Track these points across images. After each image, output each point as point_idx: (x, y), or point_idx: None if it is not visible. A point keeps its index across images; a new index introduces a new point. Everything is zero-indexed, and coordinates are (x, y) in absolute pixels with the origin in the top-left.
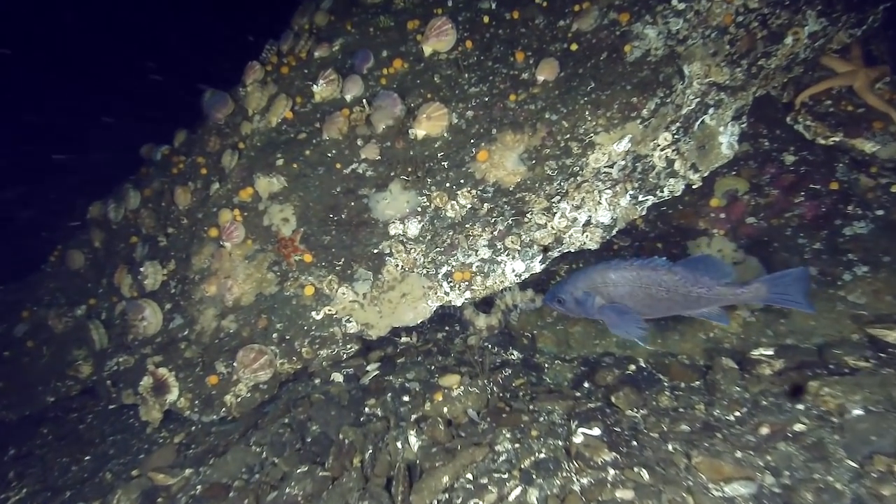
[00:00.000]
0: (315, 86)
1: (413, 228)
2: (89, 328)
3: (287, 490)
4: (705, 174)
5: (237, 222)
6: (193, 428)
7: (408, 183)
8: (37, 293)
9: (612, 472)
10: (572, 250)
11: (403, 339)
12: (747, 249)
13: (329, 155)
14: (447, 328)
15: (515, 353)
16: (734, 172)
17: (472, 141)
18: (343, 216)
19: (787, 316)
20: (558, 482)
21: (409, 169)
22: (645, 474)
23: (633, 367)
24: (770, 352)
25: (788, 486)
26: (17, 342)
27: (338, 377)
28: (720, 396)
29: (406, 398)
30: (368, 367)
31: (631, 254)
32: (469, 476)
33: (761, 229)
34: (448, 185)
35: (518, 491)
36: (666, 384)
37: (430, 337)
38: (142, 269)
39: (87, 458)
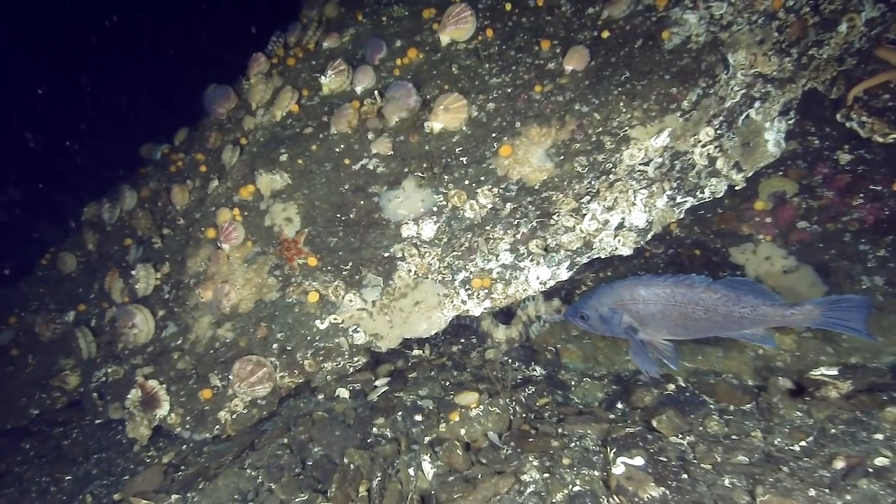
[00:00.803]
0: (323, 77)
1: (428, 230)
2: (77, 336)
3: None
4: (749, 174)
5: (236, 222)
6: (184, 447)
7: (423, 180)
8: (25, 298)
9: None
10: (603, 256)
11: (415, 352)
12: (799, 256)
13: (337, 150)
14: (463, 340)
15: (538, 368)
16: (781, 173)
17: (493, 135)
18: (351, 216)
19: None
20: None
21: (425, 165)
22: None
23: (672, 386)
24: (834, 372)
25: None
26: (1, 350)
27: (343, 393)
28: (779, 423)
29: (419, 417)
30: (377, 383)
31: (665, 261)
32: None
33: (815, 234)
34: (467, 182)
35: None
36: (712, 406)
37: (445, 350)
38: (133, 273)
39: (69, 478)
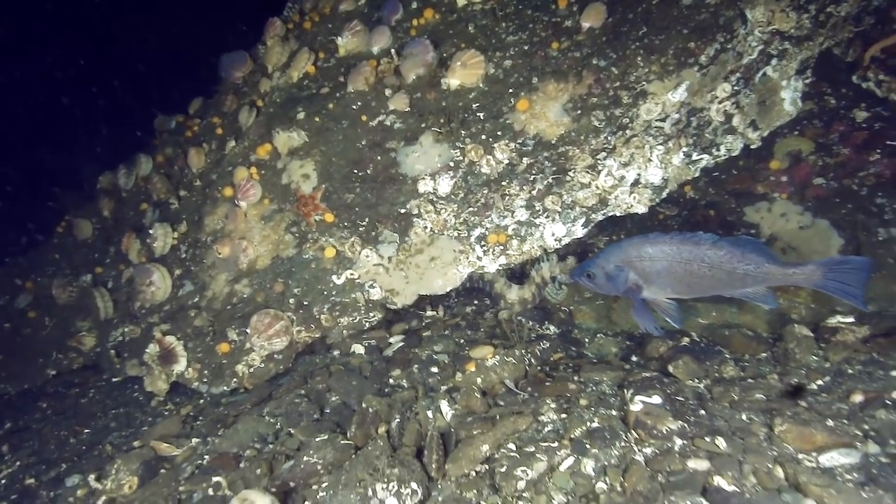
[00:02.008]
0: (340, 38)
1: (444, 185)
2: (94, 296)
3: (305, 458)
4: (765, 133)
5: (253, 180)
6: (202, 400)
7: (440, 135)
8: (41, 264)
9: (679, 441)
10: (618, 214)
11: (429, 313)
12: (815, 212)
13: (354, 107)
14: (476, 302)
15: (552, 327)
16: (797, 132)
17: (510, 90)
18: (368, 172)
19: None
20: (616, 452)
21: (442, 120)
22: (721, 443)
23: (686, 339)
24: (850, 319)
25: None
26: (19, 313)
27: (359, 349)
28: (795, 366)
29: (434, 369)
30: (391, 340)
31: (679, 222)
32: (512, 446)
33: (831, 190)
34: (484, 137)
35: (570, 461)
36: (728, 356)
37: (458, 311)
38: (151, 232)
39: (87, 430)
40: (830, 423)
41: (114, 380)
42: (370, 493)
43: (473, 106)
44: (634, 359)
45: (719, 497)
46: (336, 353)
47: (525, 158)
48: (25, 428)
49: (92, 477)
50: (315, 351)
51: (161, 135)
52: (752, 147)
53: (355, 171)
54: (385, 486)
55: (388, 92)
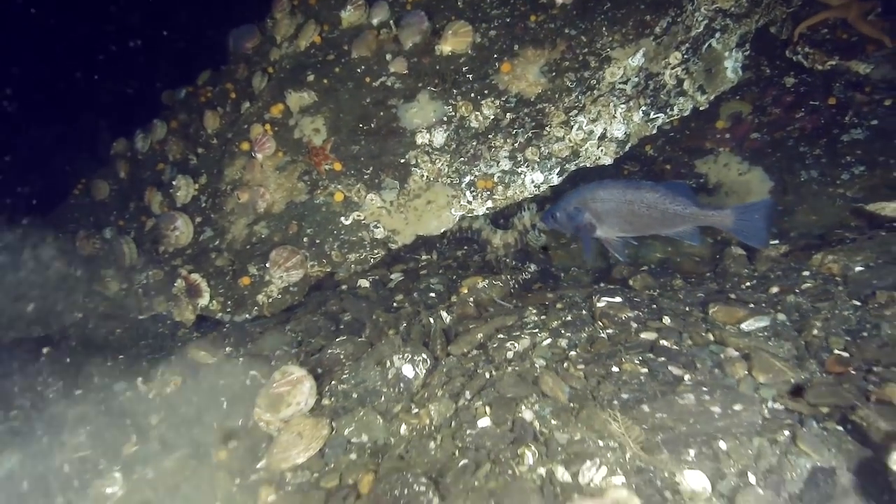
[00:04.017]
0: (343, 12)
1: (439, 137)
2: (120, 242)
3: (328, 352)
4: (711, 97)
5: (268, 135)
6: (226, 328)
7: (435, 93)
8: (62, 222)
9: (634, 324)
10: (588, 165)
11: (424, 257)
12: (752, 161)
13: (358, 70)
14: (465, 247)
15: (533, 266)
16: (738, 97)
17: (495, 56)
18: (372, 125)
19: (790, 214)
20: (585, 334)
21: (436, 81)
22: (667, 320)
23: (645, 267)
24: (776, 241)
25: (798, 319)
26: (44, 264)
27: (364, 283)
28: (731, 275)
29: (432, 294)
30: (392, 276)
31: (641, 176)
32: (501, 335)
33: (765, 142)
34: (473, 95)
35: (549, 340)
36: (678, 275)
37: (450, 255)
38: (174, 183)
39: (121, 356)
40: (752, 305)
41: (140, 317)
42: (388, 364)
43: (463, 69)
44: (602, 284)
45: (663, 352)
46: (344, 287)
47: (508, 114)
48: (59, 358)
49: (139, 380)
50: (324, 287)
51: (173, 105)
52: (701, 109)
53: (361, 126)
54: (400, 356)
55: (388, 57)
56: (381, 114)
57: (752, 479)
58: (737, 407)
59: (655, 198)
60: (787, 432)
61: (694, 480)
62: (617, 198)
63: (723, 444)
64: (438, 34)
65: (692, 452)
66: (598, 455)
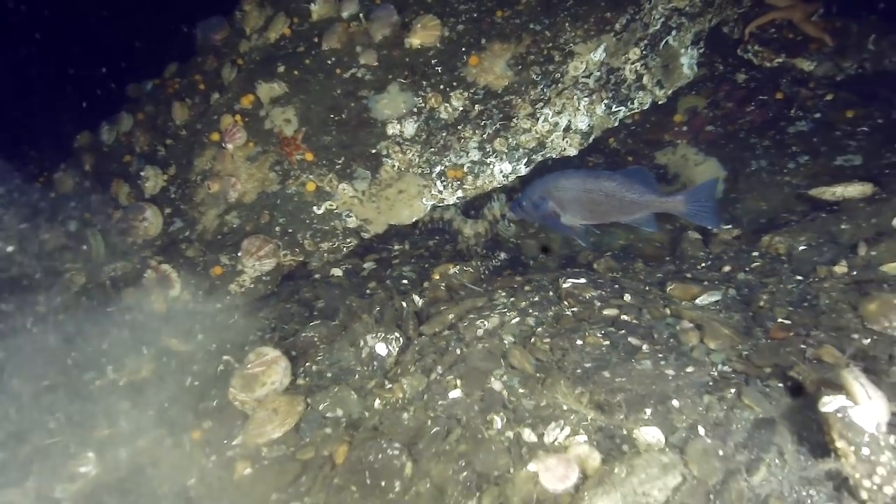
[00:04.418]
0: (313, 4)
1: (409, 128)
2: (87, 235)
3: (303, 335)
4: (669, 92)
5: (238, 125)
6: (198, 317)
7: (405, 85)
8: (23, 217)
9: (598, 303)
10: (554, 156)
11: (396, 247)
12: (707, 152)
13: (329, 62)
14: (437, 237)
15: (503, 254)
16: (694, 92)
17: (463, 49)
18: (343, 116)
19: (741, 201)
20: (552, 313)
21: (406, 73)
22: (628, 297)
23: (609, 252)
24: (728, 226)
25: (746, 294)
26: (6, 257)
27: (337, 271)
28: (688, 258)
29: (405, 281)
30: (365, 265)
31: (605, 168)
32: (472, 315)
33: (718, 134)
34: (442, 87)
35: (518, 319)
36: (640, 259)
37: (422, 244)
38: (142, 174)
39: (89, 348)
40: (706, 283)
41: (108, 310)
42: (362, 343)
43: (432, 61)
44: (569, 269)
45: (624, 325)
46: (317, 276)
47: (477, 106)
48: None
49: (109, 368)
50: (297, 277)
51: (139, 97)
52: (660, 103)
53: (332, 116)
54: (374, 335)
55: (358, 49)
56: (352, 105)
57: (701, 431)
58: (689, 370)
59: (612, 186)
60: (733, 390)
61: (649, 434)
62: (577, 186)
63: (676, 403)
64: (408, 27)
65: (648, 411)
66: (562, 418)
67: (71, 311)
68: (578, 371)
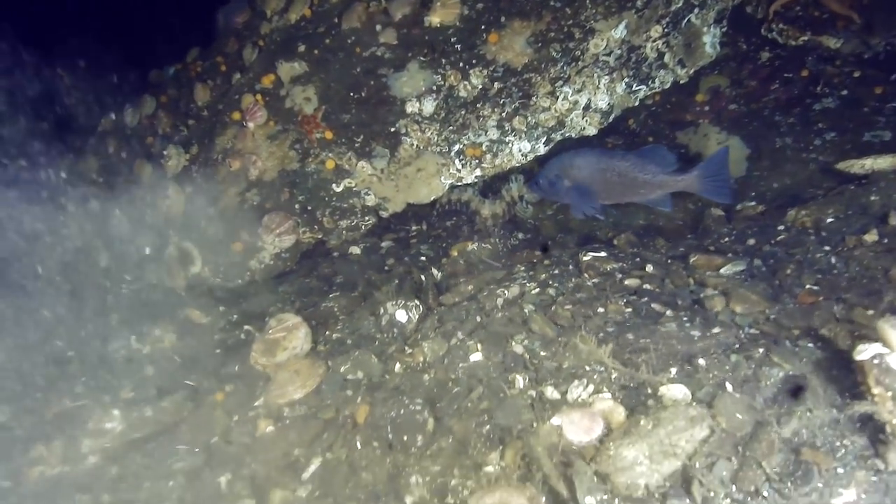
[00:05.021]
0: None
1: (428, 106)
2: (112, 214)
3: (322, 305)
4: (691, 71)
5: (259, 104)
6: (219, 292)
7: (424, 63)
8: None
9: (619, 274)
10: (573, 135)
11: (414, 228)
12: (730, 130)
13: (349, 41)
14: (454, 218)
15: (521, 235)
16: (716, 72)
17: (482, 27)
18: (363, 94)
19: (765, 178)
20: (572, 284)
21: (426, 51)
22: (650, 268)
23: (630, 229)
24: (752, 203)
25: (772, 264)
26: (30, 237)
27: (356, 249)
28: (711, 233)
29: (423, 258)
30: (383, 244)
31: (624, 150)
32: (492, 286)
33: (742, 113)
34: (461, 65)
35: (538, 290)
36: (662, 238)
37: (439, 225)
38: (165, 153)
39: (114, 321)
40: (730, 254)
41: (135, 286)
42: (381, 311)
43: (452, 39)
44: (587, 246)
45: (646, 293)
46: (336, 254)
47: (496, 84)
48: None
49: (133, 338)
50: (316, 255)
51: (161, 82)
52: (681, 83)
53: (351, 95)
54: (394, 303)
55: (378, 28)
56: (372, 83)
57: (728, 387)
58: (715, 330)
59: (626, 166)
60: (761, 349)
61: (676, 391)
62: (591, 166)
63: (702, 362)
64: (427, 6)
65: (674, 370)
66: (585, 377)
67: (95, 287)
68: (601, 334)
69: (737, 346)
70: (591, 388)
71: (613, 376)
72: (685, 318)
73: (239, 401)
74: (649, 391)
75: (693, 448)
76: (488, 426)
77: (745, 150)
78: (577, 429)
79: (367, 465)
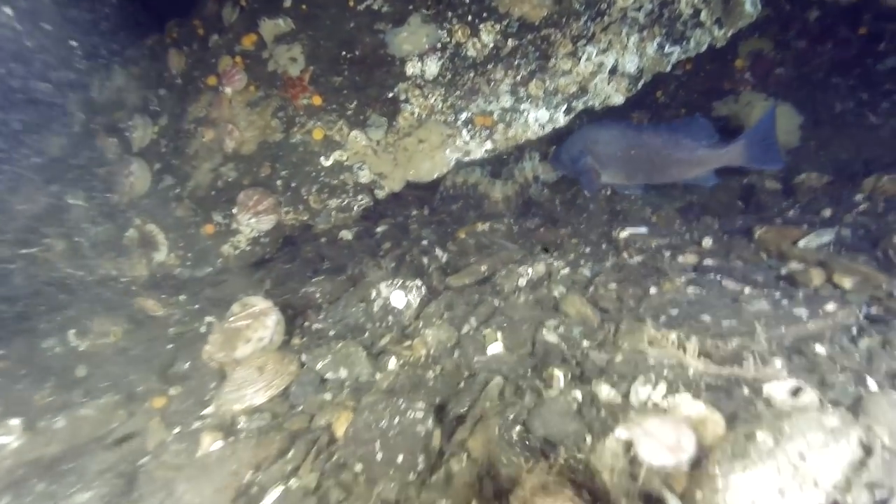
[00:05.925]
0: None
1: (432, 67)
2: (66, 195)
3: (302, 290)
4: (729, 33)
5: (238, 67)
6: (183, 280)
7: (427, 16)
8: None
9: (668, 251)
10: (597, 104)
11: (414, 213)
12: (778, 97)
13: None
14: (460, 202)
15: (537, 219)
16: (757, 35)
17: None
18: (357, 53)
19: (825, 147)
20: (609, 263)
21: (429, 2)
22: (708, 241)
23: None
24: (815, 174)
25: (865, 235)
26: None
27: (347, 234)
28: (768, 207)
29: (424, 242)
30: (378, 229)
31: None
32: (510, 266)
33: (790, 77)
34: (470, 18)
35: (568, 270)
36: (708, 214)
37: (443, 209)
38: (130, 123)
39: (58, 318)
40: (806, 226)
41: (88, 279)
42: (374, 294)
43: None
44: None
45: (711, 270)
46: (323, 239)
47: (510, 41)
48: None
49: (71, 332)
50: (299, 242)
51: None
52: (718, 47)
53: (343, 54)
54: (389, 283)
55: None
56: (367, 40)
57: (871, 384)
58: (829, 307)
59: (657, 144)
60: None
61: (790, 390)
62: (616, 140)
63: (821, 349)
64: None
65: (778, 361)
66: (651, 372)
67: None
68: (663, 318)
69: (861, 327)
70: (661, 386)
71: (692, 371)
72: (777, 295)
73: (183, 408)
74: (749, 391)
75: (842, 475)
76: (518, 440)
77: (797, 118)
78: (658, 445)
79: (345, 499)
